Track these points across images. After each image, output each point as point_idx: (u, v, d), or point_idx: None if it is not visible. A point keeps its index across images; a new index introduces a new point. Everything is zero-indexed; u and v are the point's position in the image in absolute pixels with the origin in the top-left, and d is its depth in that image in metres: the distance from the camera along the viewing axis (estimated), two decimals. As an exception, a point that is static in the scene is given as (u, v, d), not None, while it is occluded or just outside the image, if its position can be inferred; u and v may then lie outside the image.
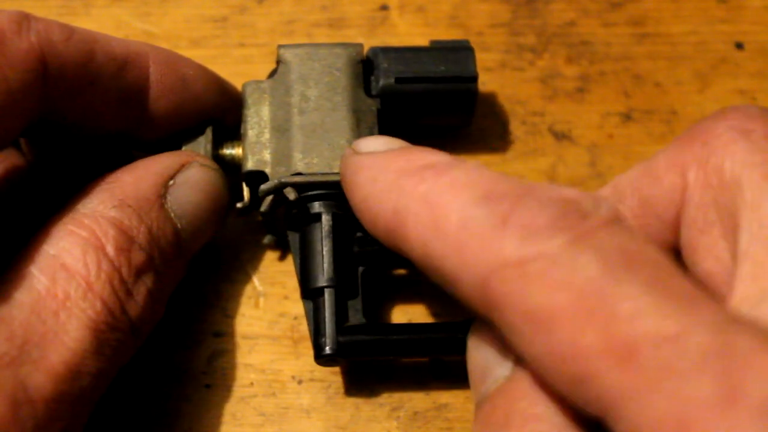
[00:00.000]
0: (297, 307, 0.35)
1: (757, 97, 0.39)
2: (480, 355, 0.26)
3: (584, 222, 0.23)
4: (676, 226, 0.27)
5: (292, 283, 0.35)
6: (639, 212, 0.27)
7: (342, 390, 0.33)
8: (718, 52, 0.40)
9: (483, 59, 0.39)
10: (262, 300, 0.35)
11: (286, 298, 0.35)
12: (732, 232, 0.25)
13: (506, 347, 0.25)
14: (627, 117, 0.39)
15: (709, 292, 0.23)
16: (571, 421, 0.23)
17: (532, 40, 0.41)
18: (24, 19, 0.29)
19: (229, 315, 0.35)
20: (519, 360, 0.25)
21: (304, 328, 0.34)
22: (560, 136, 0.39)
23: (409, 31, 0.40)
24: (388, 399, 0.33)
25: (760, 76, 0.40)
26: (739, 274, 0.24)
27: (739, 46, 0.41)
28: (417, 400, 0.33)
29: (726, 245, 0.25)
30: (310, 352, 0.34)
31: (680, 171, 0.27)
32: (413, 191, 0.26)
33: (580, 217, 0.23)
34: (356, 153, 0.29)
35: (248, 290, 0.35)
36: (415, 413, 0.33)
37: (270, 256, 0.36)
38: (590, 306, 0.21)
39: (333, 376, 0.34)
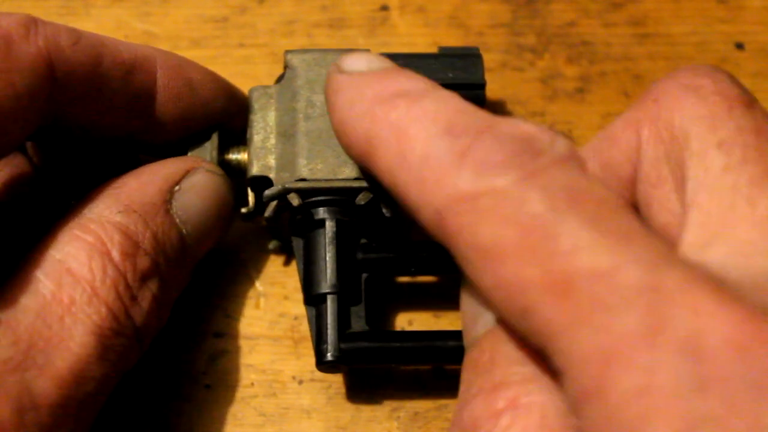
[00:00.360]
0: (297, 307, 0.35)
1: (758, 97, 0.39)
2: (471, 302, 0.27)
3: (537, 159, 0.24)
4: (633, 183, 0.28)
5: (293, 284, 0.35)
6: (600, 175, 0.28)
7: (342, 390, 0.34)
8: (718, 52, 0.40)
9: (483, 59, 0.39)
10: (262, 300, 0.35)
11: (286, 298, 0.35)
12: (681, 183, 0.26)
13: None
14: (627, 117, 0.39)
15: (659, 234, 0.24)
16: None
17: (532, 40, 0.41)
18: (32, 24, 0.29)
19: (230, 315, 0.35)
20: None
21: (304, 328, 0.34)
22: (560, 137, 0.38)
23: (410, 32, 0.40)
24: (388, 399, 0.33)
25: (760, 76, 0.40)
26: (686, 223, 0.25)
27: (740, 46, 0.41)
28: (417, 400, 0.33)
29: (678, 197, 0.26)
30: (311, 353, 0.34)
31: (635, 130, 0.27)
32: (384, 119, 0.26)
33: (534, 154, 0.24)
34: (339, 71, 0.29)
35: (249, 291, 0.35)
36: (416, 413, 0.33)
37: (270, 257, 0.36)
38: (533, 241, 0.22)
39: (333, 376, 0.34)
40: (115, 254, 0.28)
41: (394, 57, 0.35)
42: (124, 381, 0.29)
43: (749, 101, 0.27)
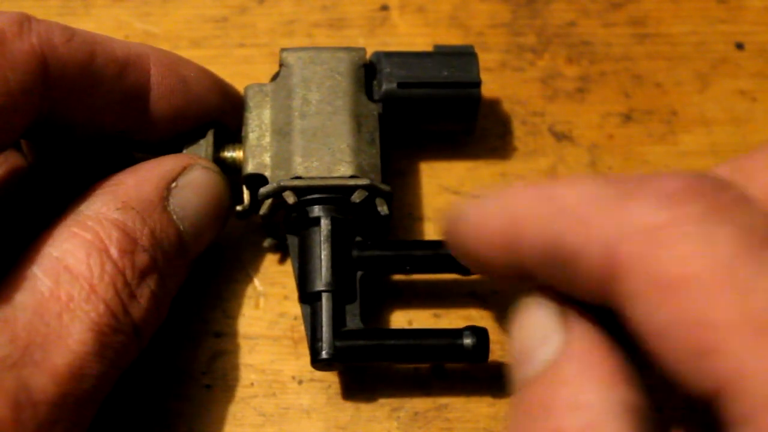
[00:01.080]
0: (297, 307, 0.35)
1: (758, 97, 0.39)
2: (524, 334, 0.25)
3: (720, 194, 0.22)
4: None
5: (293, 284, 0.35)
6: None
7: (342, 390, 0.33)
8: (718, 52, 0.40)
9: (483, 59, 0.39)
10: (262, 300, 0.35)
11: (286, 298, 0.35)
12: None
13: (553, 328, 0.24)
14: (627, 117, 0.39)
15: None
16: (618, 411, 0.22)
17: (532, 40, 0.41)
18: (25, 21, 0.29)
19: (230, 315, 0.35)
20: (566, 342, 0.24)
21: (303, 328, 0.34)
22: (560, 137, 0.39)
23: (410, 32, 0.40)
24: (388, 399, 0.33)
25: (760, 76, 0.40)
26: None
27: (740, 46, 0.41)
28: (417, 400, 0.33)
29: None
30: (310, 353, 0.34)
31: None
32: (525, 195, 0.25)
33: (715, 188, 0.22)
34: (458, 210, 0.27)
35: (248, 290, 0.35)
36: (416, 413, 0.33)
37: (270, 257, 0.36)
38: (727, 277, 0.20)
39: (333, 376, 0.34)
40: (113, 251, 0.28)
41: (389, 55, 0.36)
42: (124, 381, 0.29)
43: None
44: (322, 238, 0.32)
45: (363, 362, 0.32)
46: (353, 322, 0.32)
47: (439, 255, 0.33)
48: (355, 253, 0.33)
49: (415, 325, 0.35)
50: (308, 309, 0.32)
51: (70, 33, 0.30)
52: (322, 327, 0.31)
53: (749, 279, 0.20)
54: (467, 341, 0.31)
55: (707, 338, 0.20)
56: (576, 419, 0.22)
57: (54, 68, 0.29)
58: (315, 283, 0.32)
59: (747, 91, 0.39)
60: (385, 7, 0.41)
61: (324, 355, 0.31)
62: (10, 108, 0.28)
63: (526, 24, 0.41)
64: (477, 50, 0.36)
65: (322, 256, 0.32)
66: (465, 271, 0.32)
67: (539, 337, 0.24)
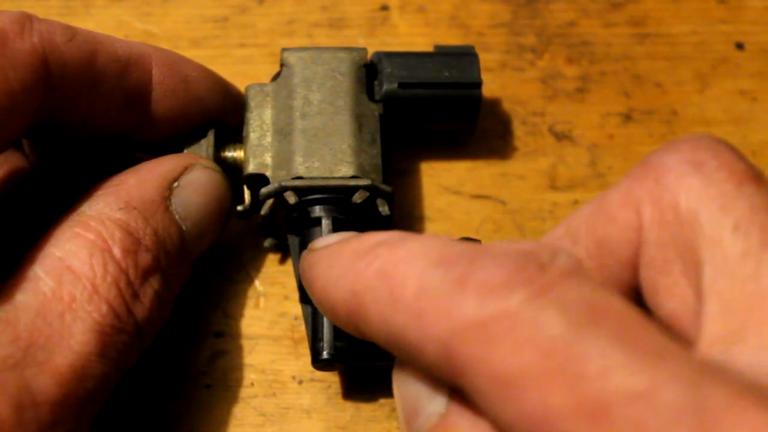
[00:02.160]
0: (297, 307, 0.35)
1: (758, 97, 0.39)
2: (409, 390, 0.25)
3: (543, 274, 0.22)
4: (634, 266, 0.26)
5: (293, 283, 0.35)
6: (595, 253, 0.26)
7: (342, 390, 0.33)
8: (718, 52, 0.40)
9: (483, 59, 0.39)
10: (262, 300, 0.35)
11: (286, 298, 0.35)
12: (693, 269, 0.24)
13: (438, 386, 0.24)
14: (627, 117, 0.39)
15: (677, 338, 0.22)
16: None
17: (532, 40, 0.41)
18: (26, 20, 0.29)
19: (230, 315, 0.35)
20: (452, 393, 0.24)
21: (304, 328, 0.34)
22: (561, 137, 0.39)
23: (410, 32, 0.40)
24: (388, 399, 0.33)
25: (760, 76, 0.40)
26: (706, 314, 0.23)
27: (740, 46, 0.41)
28: (417, 400, 0.33)
29: (688, 284, 0.24)
30: (311, 353, 0.34)
31: (634, 209, 0.25)
32: (368, 269, 0.24)
33: (539, 268, 0.22)
34: (310, 251, 0.28)
35: (249, 290, 0.35)
36: (416, 413, 0.33)
37: (270, 257, 0.36)
38: (557, 365, 0.20)
39: (333, 376, 0.34)
40: (116, 251, 0.28)
41: (390, 55, 0.36)
42: (125, 381, 0.29)
43: (756, 175, 0.24)
44: None
45: (364, 362, 0.32)
46: None
47: None
48: None
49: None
50: (309, 309, 0.32)
51: (72, 32, 0.30)
52: (323, 327, 0.31)
53: (578, 363, 0.20)
54: None
55: (550, 429, 0.20)
56: None
57: (55, 68, 0.29)
58: None
59: (747, 91, 0.40)
60: (385, 7, 0.41)
61: (325, 355, 0.31)
62: (11, 107, 0.28)
63: (526, 24, 0.41)
64: (477, 50, 0.36)
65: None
66: None
67: (424, 394, 0.24)
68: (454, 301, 0.22)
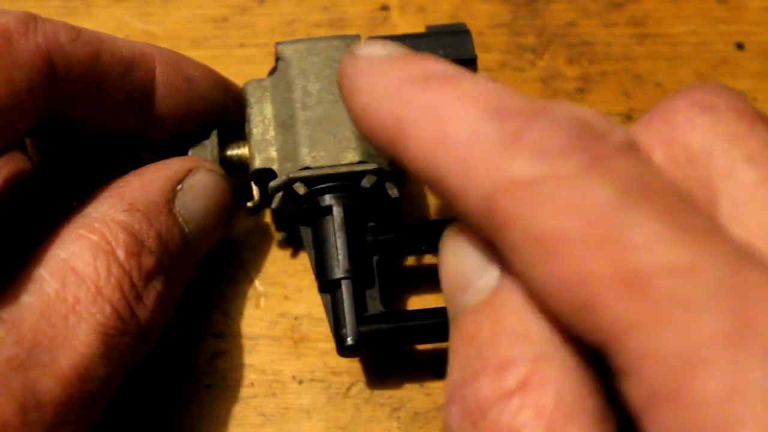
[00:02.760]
0: (297, 307, 0.35)
1: (758, 97, 0.39)
2: (460, 261, 0.24)
3: (600, 145, 0.21)
4: None
5: (293, 283, 0.35)
6: None
7: (342, 390, 0.34)
8: (718, 52, 0.40)
9: (484, 59, 0.39)
10: (262, 300, 0.35)
11: (286, 298, 0.35)
12: (708, 203, 0.24)
13: (492, 254, 0.24)
14: (627, 117, 0.39)
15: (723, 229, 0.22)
16: (565, 341, 0.22)
17: (532, 40, 0.41)
18: (31, 20, 0.29)
19: (230, 315, 0.35)
20: (507, 269, 0.23)
21: (304, 328, 0.34)
22: (561, 137, 0.38)
23: (410, 32, 0.40)
24: (388, 399, 0.33)
25: (760, 76, 0.40)
26: None
27: (740, 46, 0.41)
28: (417, 400, 0.33)
29: None
30: (311, 353, 0.34)
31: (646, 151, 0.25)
32: (418, 100, 0.23)
33: (597, 139, 0.22)
34: (355, 56, 0.26)
35: (249, 290, 0.35)
36: (416, 413, 0.33)
37: (271, 257, 0.36)
38: (602, 232, 0.20)
39: (333, 376, 0.34)
40: (120, 253, 0.28)
41: (383, 39, 0.36)
42: (125, 381, 0.29)
43: (766, 119, 0.25)
44: (336, 226, 0.32)
45: (389, 346, 0.32)
46: (374, 306, 0.32)
47: None
48: (369, 238, 0.33)
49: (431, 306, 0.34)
50: (328, 298, 0.32)
51: (76, 32, 0.30)
52: (344, 314, 0.31)
53: (621, 233, 0.20)
54: None
55: (585, 294, 0.20)
56: (526, 349, 0.22)
57: (60, 67, 0.29)
58: (334, 271, 0.32)
59: (747, 91, 0.39)
60: (385, 7, 0.41)
61: (350, 341, 0.31)
62: (15, 107, 0.28)
63: (527, 24, 0.41)
64: (477, 50, 0.36)
65: (338, 244, 0.32)
66: None
67: (476, 266, 0.24)
68: (505, 156, 0.22)
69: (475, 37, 0.40)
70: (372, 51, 0.26)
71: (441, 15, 0.41)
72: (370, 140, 0.26)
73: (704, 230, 0.20)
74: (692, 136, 0.24)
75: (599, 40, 0.41)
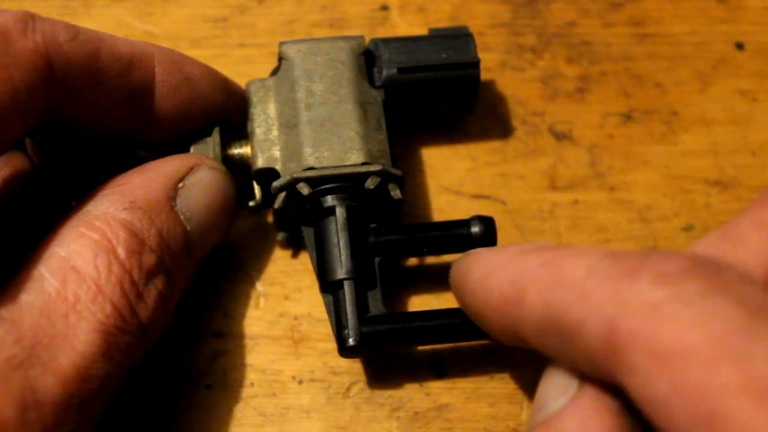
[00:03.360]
0: (297, 307, 0.35)
1: (758, 97, 0.39)
2: (545, 388, 0.26)
3: (719, 271, 0.22)
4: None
5: (293, 283, 0.35)
6: None
7: (342, 390, 0.34)
8: (718, 52, 0.40)
9: (483, 59, 0.39)
10: (262, 300, 0.35)
11: (286, 298, 0.35)
12: None
13: (571, 386, 0.25)
14: (627, 117, 0.39)
15: None
16: None
17: (532, 40, 0.41)
18: (29, 19, 0.29)
19: (230, 315, 0.35)
20: (574, 397, 0.24)
21: (304, 328, 0.34)
22: (560, 137, 0.39)
23: (410, 32, 0.40)
24: (388, 399, 0.33)
25: (760, 76, 0.40)
26: None
27: (740, 46, 0.41)
28: (417, 400, 0.33)
29: None
30: (311, 353, 0.34)
31: (767, 230, 0.25)
32: (533, 262, 0.25)
33: (714, 266, 0.23)
34: (465, 254, 0.29)
35: (249, 290, 0.35)
36: (416, 413, 0.33)
37: (271, 256, 0.36)
38: (729, 344, 0.21)
39: (333, 376, 0.34)
40: (121, 251, 0.28)
41: (387, 41, 0.36)
42: (125, 380, 0.29)
43: None
44: (338, 227, 0.32)
45: (390, 346, 0.32)
46: (376, 307, 0.32)
47: (454, 235, 0.33)
48: (371, 239, 0.33)
49: (432, 308, 0.34)
50: (330, 298, 0.32)
51: (75, 31, 0.30)
52: (346, 315, 0.31)
53: (747, 347, 0.21)
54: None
55: (711, 405, 0.21)
56: None
57: (58, 66, 0.29)
58: (336, 271, 0.32)
59: (747, 91, 0.39)
60: (385, 7, 0.41)
61: (351, 342, 0.31)
62: (14, 106, 0.28)
63: (526, 24, 0.41)
64: (477, 50, 0.36)
65: (341, 245, 0.32)
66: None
67: (556, 391, 0.25)
68: (625, 283, 0.22)
69: (475, 38, 0.40)
70: (483, 249, 0.28)
71: (441, 15, 0.41)
72: (479, 314, 0.27)
73: None
74: None
75: (599, 40, 0.41)
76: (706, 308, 0.21)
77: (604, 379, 0.24)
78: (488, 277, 0.26)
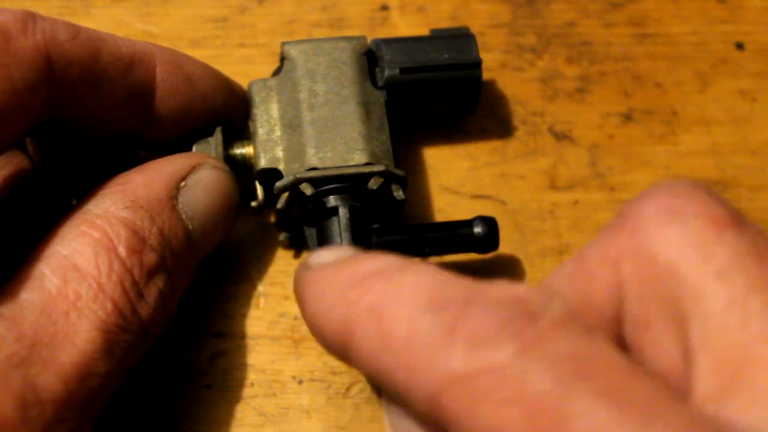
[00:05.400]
0: (297, 307, 0.35)
1: (758, 97, 0.39)
2: (401, 424, 0.26)
3: (534, 325, 0.22)
4: (618, 323, 0.25)
5: (293, 283, 0.35)
6: (579, 312, 0.25)
7: (342, 390, 0.34)
8: (718, 52, 0.40)
9: (484, 59, 0.39)
10: (262, 300, 0.35)
11: (286, 298, 0.35)
12: (678, 324, 0.23)
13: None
14: (627, 117, 0.39)
15: (669, 387, 0.22)
16: None
17: (532, 40, 0.41)
18: (30, 18, 0.29)
19: (230, 315, 0.35)
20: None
21: (304, 328, 0.34)
22: (560, 137, 0.39)
23: (410, 32, 0.40)
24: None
25: (760, 76, 0.40)
26: (696, 370, 0.22)
27: (740, 46, 0.41)
28: (417, 400, 0.33)
29: (673, 340, 0.23)
30: (311, 353, 0.34)
31: (613, 265, 0.25)
32: (359, 303, 0.24)
33: (530, 319, 0.22)
34: (306, 268, 0.27)
35: (249, 290, 0.35)
36: (416, 413, 0.33)
37: (271, 257, 0.36)
38: (542, 424, 0.20)
39: (333, 376, 0.34)
40: (122, 250, 0.28)
41: (389, 42, 0.36)
42: (125, 380, 0.29)
43: (737, 220, 0.23)
44: (341, 228, 0.32)
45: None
46: None
47: (456, 236, 0.33)
48: (374, 239, 0.33)
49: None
50: None
51: (75, 30, 0.30)
52: None
53: (564, 422, 0.20)
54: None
55: None
56: None
57: (59, 65, 0.29)
58: None
59: (747, 91, 0.40)
60: (385, 7, 0.41)
61: None
62: (14, 105, 0.28)
63: (526, 24, 0.41)
64: (479, 51, 0.36)
65: (343, 245, 0.32)
66: (483, 249, 0.33)
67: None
68: (442, 353, 0.22)
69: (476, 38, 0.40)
70: (321, 259, 0.27)
71: (441, 15, 0.41)
72: (324, 348, 0.27)
73: (650, 407, 0.20)
74: (659, 248, 0.24)
75: (599, 40, 0.41)
76: (520, 378, 0.21)
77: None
78: (322, 318, 0.26)
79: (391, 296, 0.24)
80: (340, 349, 0.25)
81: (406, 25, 0.41)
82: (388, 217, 0.34)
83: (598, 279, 0.25)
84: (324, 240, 0.33)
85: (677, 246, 0.23)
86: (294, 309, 0.35)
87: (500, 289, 0.23)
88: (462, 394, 0.21)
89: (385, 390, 0.25)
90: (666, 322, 0.24)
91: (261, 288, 0.35)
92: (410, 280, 0.24)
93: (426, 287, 0.23)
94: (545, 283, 0.27)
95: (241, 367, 0.34)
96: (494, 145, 0.38)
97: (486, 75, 0.39)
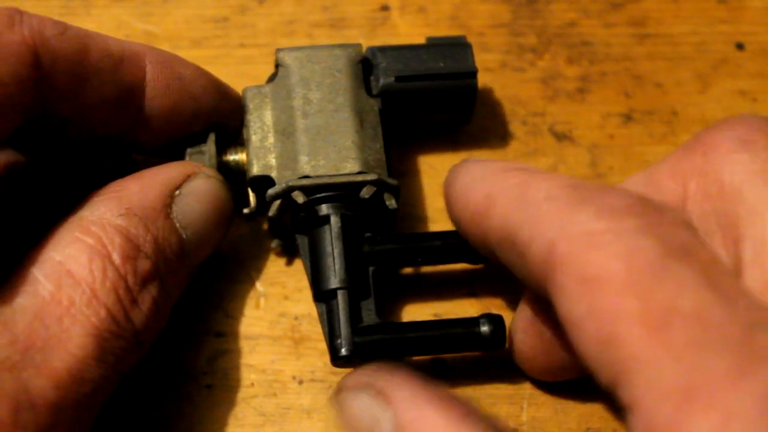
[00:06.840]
0: (297, 307, 0.35)
1: (758, 97, 0.39)
2: (356, 422, 0.26)
3: (658, 215, 0.24)
4: None
5: (293, 284, 0.35)
6: None
7: (343, 390, 0.33)
8: (718, 52, 0.40)
9: (484, 59, 0.39)
10: (262, 300, 0.35)
11: (286, 298, 0.35)
12: (733, 241, 0.25)
13: (379, 407, 0.25)
14: (628, 117, 0.39)
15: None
16: None
17: (532, 40, 0.41)
18: (16, 14, 0.29)
19: (230, 315, 0.35)
20: (396, 416, 0.25)
21: (305, 328, 0.34)
22: (561, 137, 0.39)
23: (410, 32, 0.40)
24: (388, 399, 0.33)
25: (760, 76, 0.40)
26: (748, 282, 0.25)
27: (740, 46, 0.41)
28: (417, 400, 0.33)
29: (729, 254, 0.26)
30: (311, 353, 0.34)
31: (681, 181, 0.27)
32: (508, 181, 0.27)
33: (656, 209, 0.24)
34: (462, 161, 0.31)
35: (249, 290, 0.35)
36: (416, 413, 0.33)
37: (271, 257, 0.36)
38: (640, 277, 0.22)
39: (333, 376, 0.34)
40: (116, 257, 0.28)
41: (384, 50, 0.36)
42: (125, 380, 0.29)
43: None
44: (333, 236, 0.32)
45: (383, 357, 0.32)
46: (369, 317, 0.32)
47: (449, 245, 0.33)
48: (366, 248, 0.33)
49: (425, 318, 0.35)
50: (323, 307, 0.32)
51: (63, 27, 0.30)
52: (339, 324, 0.31)
53: (655, 281, 0.22)
54: (484, 329, 0.31)
55: (609, 328, 0.23)
56: None
57: (46, 60, 0.29)
58: (330, 281, 0.32)
59: (747, 91, 0.40)
60: (385, 8, 0.41)
61: (344, 352, 0.31)
62: (2, 100, 0.28)
63: (527, 24, 0.41)
64: (477, 50, 0.36)
65: (335, 254, 0.32)
66: (475, 260, 0.33)
67: (370, 419, 0.26)
68: (573, 211, 0.24)
69: (475, 37, 0.40)
70: (475, 160, 0.31)
71: (441, 15, 0.41)
72: (455, 219, 0.30)
73: (731, 291, 0.22)
74: (726, 171, 0.26)
75: (599, 40, 0.41)
76: (633, 243, 0.23)
77: (543, 296, 0.25)
78: (468, 189, 0.29)
79: (538, 178, 0.27)
80: (475, 216, 0.28)
81: (407, 26, 0.41)
82: (381, 225, 0.34)
83: (665, 191, 0.28)
84: (316, 248, 0.33)
85: (744, 171, 0.26)
86: (294, 309, 0.35)
87: (629, 191, 0.25)
88: (578, 243, 0.24)
89: (503, 254, 0.27)
90: (722, 238, 0.26)
91: (261, 288, 0.35)
92: (553, 174, 0.27)
93: (567, 178, 0.26)
94: (618, 187, 0.29)
95: (241, 367, 0.34)
96: (494, 145, 0.38)
97: (486, 75, 0.39)
